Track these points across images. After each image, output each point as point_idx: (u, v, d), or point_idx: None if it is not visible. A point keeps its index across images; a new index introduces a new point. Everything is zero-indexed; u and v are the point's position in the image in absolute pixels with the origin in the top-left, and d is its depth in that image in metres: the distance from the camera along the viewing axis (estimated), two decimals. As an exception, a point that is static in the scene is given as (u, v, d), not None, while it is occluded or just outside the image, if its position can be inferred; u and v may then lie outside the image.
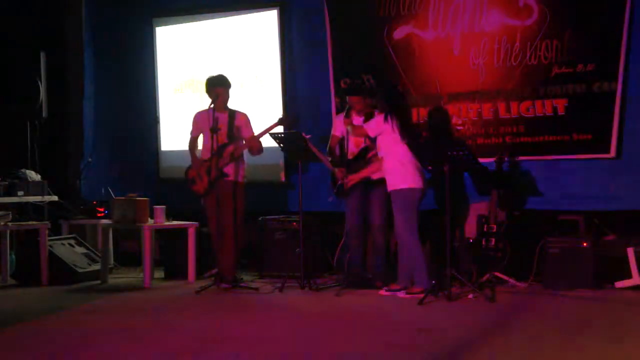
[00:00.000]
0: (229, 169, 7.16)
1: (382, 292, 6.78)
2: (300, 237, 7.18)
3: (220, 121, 7.11)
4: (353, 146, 7.22)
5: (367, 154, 7.10)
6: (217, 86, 7.23)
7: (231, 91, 7.37)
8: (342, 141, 7.33)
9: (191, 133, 7.45)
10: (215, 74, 7.37)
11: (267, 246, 7.94)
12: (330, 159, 7.32)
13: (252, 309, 6.37)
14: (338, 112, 8.09)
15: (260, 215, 8.03)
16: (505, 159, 7.23)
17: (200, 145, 7.44)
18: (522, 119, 7.35)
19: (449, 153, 6.36)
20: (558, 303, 6.33)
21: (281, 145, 7.31)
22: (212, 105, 7.16)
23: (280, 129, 7.34)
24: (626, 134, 6.96)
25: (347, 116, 7.10)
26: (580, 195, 7.18)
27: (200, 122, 7.31)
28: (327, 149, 7.43)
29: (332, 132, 7.41)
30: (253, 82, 8.68)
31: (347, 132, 7.21)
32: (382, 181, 7.01)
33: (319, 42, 8.35)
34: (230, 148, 7.17)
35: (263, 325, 5.63)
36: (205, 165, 7.21)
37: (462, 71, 7.58)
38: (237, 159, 7.21)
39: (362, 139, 7.14)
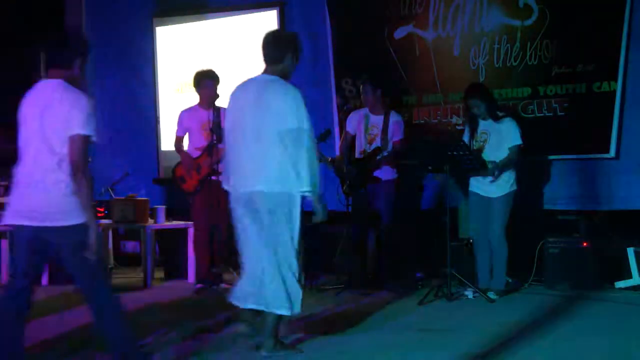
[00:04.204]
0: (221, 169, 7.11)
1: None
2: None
3: (206, 119, 7.08)
4: (366, 144, 7.19)
5: (376, 155, 7.08)
6: (206, 79, 7.14)
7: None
8: (353, 139, 7.31)
9: (177, 133, 7.38)
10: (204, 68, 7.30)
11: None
12: (330, 159, 7.32)
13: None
14: (339, 111, 8.10)
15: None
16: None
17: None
18: (522, 119, 7.34)
19: (449, 153, 6.36)
20: (558, 303, 6.33)
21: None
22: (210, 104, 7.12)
23: None
24: (626, 134, 6.96)
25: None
26: (580, 195, 7.18)
27: (186, 120, 7.28)
28: (339, 146, 7.42)
29: (346, 128, 7.38)
30: (253, 82, 8.67)
31: (363, 130, 7.17)
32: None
33: (319, 42, 8.35)
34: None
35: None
36: (194, 164, 7.18)
37: (462, 71, 7.58)
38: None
39: (375, 137, 7.13)
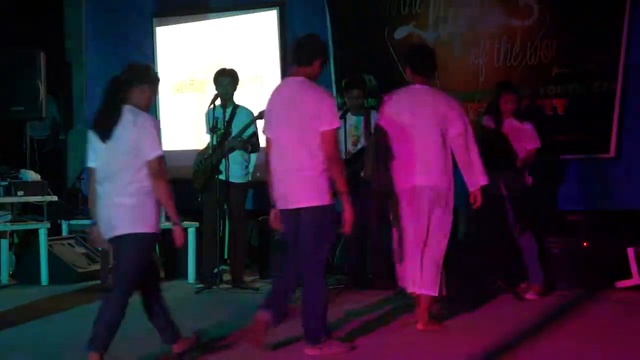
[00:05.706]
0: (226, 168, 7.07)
1: (530, 296, 6.47)
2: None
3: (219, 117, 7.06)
4: (350, 145, 7.18)
5: (362, 156, 7.04)
6: (222, 77, 7.19)
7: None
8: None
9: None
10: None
11: (268, 246, 7.94)
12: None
13: (253, 308, 6.36)
14: (340, 111, 8.09)
15: (260, 215, 8.03)
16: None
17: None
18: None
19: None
20: (558, 303, 6.33)
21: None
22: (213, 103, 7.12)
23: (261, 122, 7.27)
24: (625, 133, 6.96)
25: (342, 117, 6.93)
26: (580, 195, 7.18)
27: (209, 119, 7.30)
28: None
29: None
30: (253, 82, 8.68)
31: (345, 131, 7.14)
32: None
33: (319, 42, 8.35)
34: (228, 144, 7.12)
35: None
36: (206, 162, 7.20)
37: (462, 71, 7.58)
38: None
39: (359, 138, 7.12)
